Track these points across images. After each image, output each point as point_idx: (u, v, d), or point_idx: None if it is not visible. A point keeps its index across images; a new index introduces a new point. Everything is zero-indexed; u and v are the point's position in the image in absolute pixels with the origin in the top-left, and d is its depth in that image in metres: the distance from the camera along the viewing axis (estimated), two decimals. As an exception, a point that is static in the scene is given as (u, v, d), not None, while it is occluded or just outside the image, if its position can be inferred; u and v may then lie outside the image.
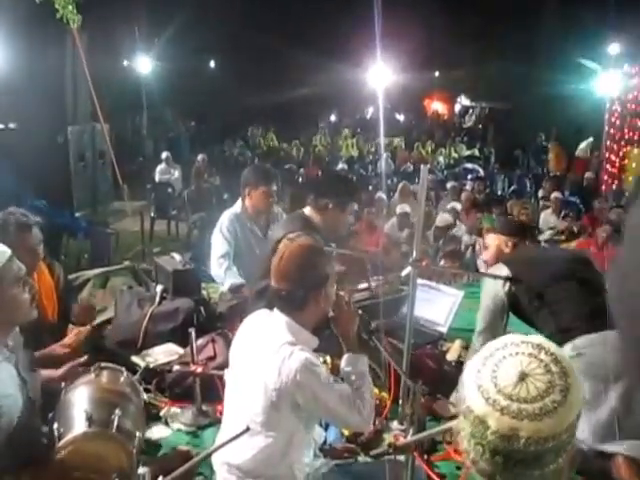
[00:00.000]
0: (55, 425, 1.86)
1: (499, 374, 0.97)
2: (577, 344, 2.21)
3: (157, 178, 9.69)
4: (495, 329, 2.50)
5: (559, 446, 0.94)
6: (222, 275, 3.39)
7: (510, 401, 0.94)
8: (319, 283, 1.87)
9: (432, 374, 2.65)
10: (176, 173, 9.79)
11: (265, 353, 1.82)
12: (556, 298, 2.36)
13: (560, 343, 2.24)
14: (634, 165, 10.38)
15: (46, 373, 2.17)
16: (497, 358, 0.99)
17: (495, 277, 2.45)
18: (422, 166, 2.34)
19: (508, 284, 2.41)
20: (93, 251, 5.92)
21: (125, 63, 14.90)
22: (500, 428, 0.94)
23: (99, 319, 3.03)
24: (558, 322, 2.33)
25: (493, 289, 2.48)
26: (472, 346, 2.58)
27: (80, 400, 1.94)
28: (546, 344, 1.00)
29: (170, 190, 8.97)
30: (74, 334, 2.37)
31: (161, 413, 2.54)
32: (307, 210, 2.95)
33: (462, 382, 1.03)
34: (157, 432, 2.42)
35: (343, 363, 1.94)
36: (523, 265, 2.48)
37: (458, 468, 2.23)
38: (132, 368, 2.53)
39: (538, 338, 1.02)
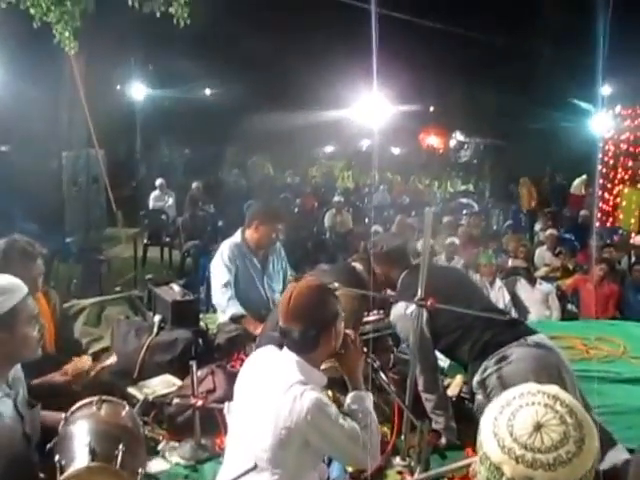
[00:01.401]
0: (57, 457, 1.81)
1: (515, 423, 0.99)
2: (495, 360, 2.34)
3: (151, 205, 9.67)
4: (434, 363, 2.59)
5: None
6: (224, 304, 3.37)
7: (525, 450, 0.96)
8: (328, 322, 1.87)
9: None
10: (170, 200, 9.77)
11: (275, 391, 1.81)
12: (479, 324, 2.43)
13: (473, 366, 2.40)
14: (626, 204, 10.56)
15: (47, 415, 2.08)
16: (514, 407, 1.01)
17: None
18: (426, 209, 2.41)
19: (427, 319, 2.45)
20: (83, 277, 5.83)
21: (119, 88, 15.03)
22: (515, 476, 0.96)
23: (95, 347, 2.99)
24: (473, 348, 2.43)
25: (415, 327, 2.46)
26: (419, 389, 2.57)
27: (82, 433, 1.89)
28: (562, 395, 1.02)
29: (164, 217, 8.95)
30: (76, 362, 2.32)
31: (159, 447, 2.49)
32: (358, 265, 3.03)
33: (480, 428, 1.04)
34: (155, 466, 2.37)
35: (349, 400, 1.93)
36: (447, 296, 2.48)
37: (458, 503, 2.21)
38: (129, 400, 2.48)
39: (554, 389, 1.03)
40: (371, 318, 3.06)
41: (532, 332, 2.48)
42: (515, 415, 1.00)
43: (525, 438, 0.97)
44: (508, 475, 0.96)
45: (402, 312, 2.53)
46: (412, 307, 2.42)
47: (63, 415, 2.01)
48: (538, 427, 0.97)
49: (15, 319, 1.79)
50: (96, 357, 2.83)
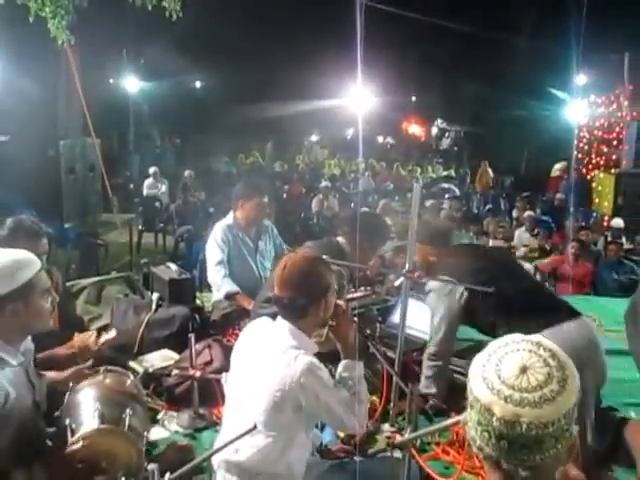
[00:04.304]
0: (67, 421, 1.91)
1: (502, 367, 1.06)
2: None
3: (145, 192, 9.86)
4: (452, 337, 2.67)
5: (558, 432, 1.02)
6: (219, 282, 3.48)
7: (513, 390, 1.03)
8: (320, 293, 1.95)
9: (418, 379, 2.76)
10: (163, 187, 9.99)
11: (269, 356, 1.90)
12: (517, 307, 2.47)
13: None
14: (600, 188, 10.87)
15: (51, 375, 2.20)
16: (500, 354, 1.09)
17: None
18: (415, 183, 2.51)
19: (465, 296, 2.52)
20: (81, 261, 5.92)
21: (112, 81, 15.23)
22: (504, 414, 1.02)
23: (96, 325, 3.08)
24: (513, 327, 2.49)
25: (448, 301, 2.58)
26: (427, 353, 2.69)
27: (90, 399, 1.99)
28: (544, 342, 1.11)
29: (157, 204, 9.12)
30: (82, 336, 2.41)
31: (158, 416, 2.60)
32: (341, 239, 3.12)
33: (469, 376, 1.13)
34: (155, 434, 2.47)
35: (341, 368, 2.03)
36: (487, 276, 2.53)
37: (446, 468, 2.35)
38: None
39: (537, 337, 1.12)
40: (358, 294, 3.16)
41: (575, 314, 2.46)
42: (502, 360, 1.07)
43: (512, 380, 1.03)
44: (498, 415, 1.02)
45: (441, 286, 2.60)
46: (450, 287, 2.53)
47: (70, 384, 2.12)
48: (524, 369, 1.04)
49: (31, 291, 1.86)
50: (97, 334, 2.93)
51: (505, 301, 2.45)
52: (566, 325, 2.37)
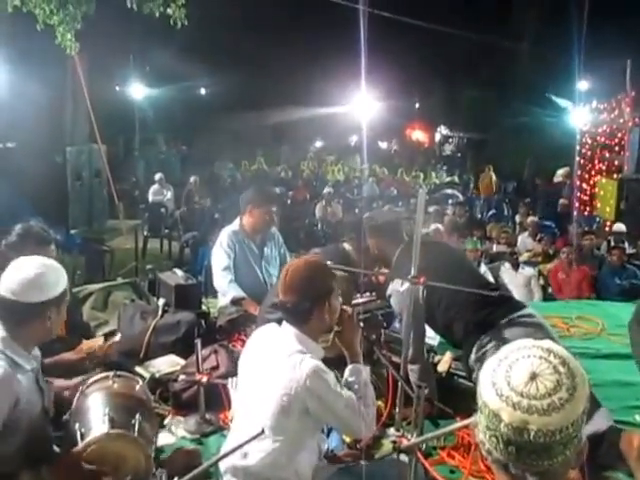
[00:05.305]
0: (76, 426, 1.93)
1: (512, 374, 1.06)
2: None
3: (150, 198, 9.97)
4: (423, 334, 2.66)
5: (566, 439, 1.02)
6: (225, 287, 3.52)
7: (521, 397, 1.03)
8: (322, 295, 1.97)
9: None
10: (168, 194, 10.10)
11: (276, 361, 1.92)
12: (467, 304, 2.52)
13: (468, 344, 2.46)
14: (603, 193, 10.89)
15: (59, 383, 2.23)
16: (511, 360, 1.09)
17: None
18: (420, 190, 2.52)
19: (425, 293, 2.51)
20: (87, 267, 5.99)
21: (118, 87, 15.47)
22: (512, 421, 1.02)
23: (102, 331, 3.11)
24: (465, 327, 2.52)
25: (413, 299, 2.52)
26: (412, 357, 2.61)
27: (99, 404, 2.01)
28: (555, 348, 1.10)
29: (163, 210, 9.23)
30: (89, 342, 2.43)
31: (165, 421, 2.62)
32: (347, 245, 3.16)
33: (479, 380, 1.13)
34: (162, 439, 2.47)
35: (347, 373, 2.04)
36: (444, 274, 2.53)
37: (452, 472, 2.35)
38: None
39: (548, 343, 1.12)
40: (362, 300, 3.17)
41: (521, 307, 2.57)
42: (512, 367, 1.06)
43: (522, 387, 1.03)
44: (506, 421, 1.02)
45: (398, 288, 2.63)
46: (407, 284, 2.48)
47: (80, 388, 2.14)
48: (533, 376, 1.03)
49: (63, 298, 1.95)
50: (104, 339, 2.96)
51: (462, 298, 2.48)
52: (519, 313, 2.47)
